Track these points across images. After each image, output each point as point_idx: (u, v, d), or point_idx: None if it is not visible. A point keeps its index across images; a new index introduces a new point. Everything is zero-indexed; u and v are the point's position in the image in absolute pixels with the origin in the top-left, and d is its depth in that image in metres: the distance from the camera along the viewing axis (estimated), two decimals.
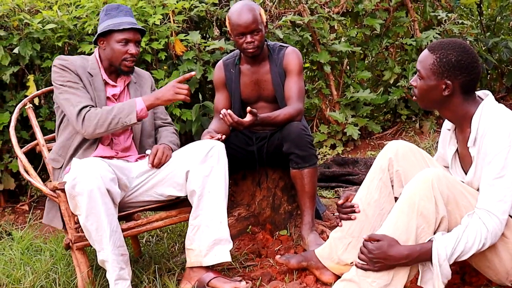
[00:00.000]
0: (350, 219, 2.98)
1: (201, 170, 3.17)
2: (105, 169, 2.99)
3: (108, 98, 3.37)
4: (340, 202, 3.04)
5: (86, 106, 3.20)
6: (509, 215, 2.59)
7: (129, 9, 3.43)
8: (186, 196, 3.25)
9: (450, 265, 2.53)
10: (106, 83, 3.39)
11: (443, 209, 2.58)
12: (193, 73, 3.26)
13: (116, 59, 3.35)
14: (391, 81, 5.89)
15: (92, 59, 3.42)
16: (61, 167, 3.30)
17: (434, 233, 2.59)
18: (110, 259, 2.97)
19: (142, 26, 4.91)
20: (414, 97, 2.80)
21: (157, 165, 3.26)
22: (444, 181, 2.61)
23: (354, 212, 2.98)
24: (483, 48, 6.42)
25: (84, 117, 3.17)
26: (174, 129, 3.59)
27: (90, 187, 2.89)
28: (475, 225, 2.52)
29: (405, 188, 2.66)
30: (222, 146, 3.24)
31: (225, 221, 3.19)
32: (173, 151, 3.36)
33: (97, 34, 3.38)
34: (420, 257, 2.55)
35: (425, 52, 2.71)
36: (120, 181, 3.11)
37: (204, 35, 5.68)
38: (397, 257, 2.56)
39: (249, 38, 3.53)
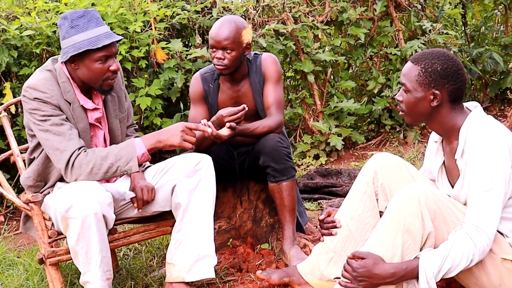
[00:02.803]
0: (331, 234, 2.90)
1: (187, 183, 3.06)
2: (103, 193, 2.83)
3: (91, 125, 3.04)
4: (321, 217, 2.96)
5: (75, 151, 2.84)
6: (497, 230, 2.53)
7: (98, 14, 2.92)
8: (170, 210, 3.15)
9: (436, 282, 2.45)
10: (84, 108, 3.01)
11: (430, 225, 2.50)
12: (208, 129, 2.96)
13: (97, 80, 2.93)
14: (375, 91, 5.83)
15: (62, 77, 2.95)
16: (39, 191, 3.09)
17: (421, 250, 2.52)
18: (98, 285, 2.85)
19: (122, 34, 4.83)
20: (401, 112, 2.70)
21: (145, 205, 3.11)
22: (431, 196, 2.53)
23: (335, 227, 2.90)
24: (467, 59, 6.39)
25: (73, 164, 2.83)
26: (135, 129, 3.41)
27: (85, 212, 2.73)
28: (462, 241, 2.44)
29: (390, 203, 2.59)
30: (209, 159, 3.14)
31: (211, 236, 3.10)
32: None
33: (66, 53, 2.87)
34: (406, 275, 2.46)
35: (409, 64, 2.63)
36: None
37: (186, 43, 5.63)
38: (383, 275, 2.47)
39: (219, 54, 3.37)
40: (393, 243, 2.52)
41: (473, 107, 2.66)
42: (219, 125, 3.27)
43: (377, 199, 2.86)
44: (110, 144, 3.14)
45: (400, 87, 5.43)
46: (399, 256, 2.51)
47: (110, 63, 2.92)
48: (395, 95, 5.63)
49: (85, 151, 2.87)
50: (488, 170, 2.45)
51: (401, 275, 2.46)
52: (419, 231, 2.50)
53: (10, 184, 3.32)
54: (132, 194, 3.10)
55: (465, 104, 2.67)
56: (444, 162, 2.76)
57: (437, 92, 2.57)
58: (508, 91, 6.33)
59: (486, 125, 2.54)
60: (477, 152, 2.49)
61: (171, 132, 2.88)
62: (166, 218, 3.22)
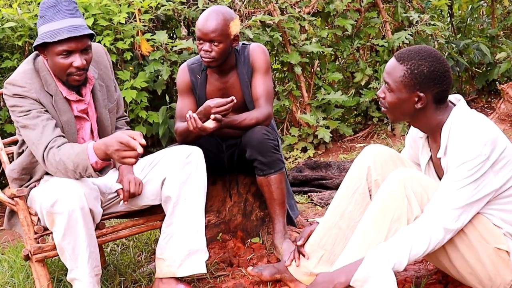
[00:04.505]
0: (303, 255, 2.89)
1: (178, 176, 2.99)
2: (89, 187, 2.76)
3: (77, 117, 2.94)
4: (300, 243, 2.91)
5: (48, 144, 2.74)
6: (494, 224, 2.50)
7: (71, 6, 2.78)
8: (160, 203, 3.07)
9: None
10: (68, 100, 2.92)
11: (417, 209, 2.47)
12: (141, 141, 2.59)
13: (60, 74, 2.82)
14: (363, 83, 5.78)
15: (44, 70, 2.87)
16: (24, 184, 3.00)
17: None
18: (86, 281, 2.78)
19: (106, 26, 4.74)
20: (383, 109, 2.63)
21: (132, 198, 3.01)
22: (416, 179, 2.50)
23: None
24: (454, 50, 6.36)
25: (48, 159, 2.74)
26: (126, 122, 3.31)
27: (71, 207, 2.65)
28: (413, 225, 2.43)
29: (377, 191, 2.56)
30: (200, 152, 3.07)
31: (202, 230, 3.02)
32: None
33: (34, 44, 2.80)
34: (359, 273, 2.42)
35: (393, 62, 2.53)
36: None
37: (171, 34, 5.55)
38: (341, 282, 2.44)
39: (206, 47, 3.28)
40: (380, 229, 2.49)
41: (457, 101, 2.59)
42: (206, 115, 3.20)
43: (370, 195, 2.80)
44: (99, 135, 3.06)
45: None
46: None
47: (74, 59, 2.78)
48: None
49: (58, 146, 2.76)
50: (461, 159, 2.40)
51: (351, 274, 2.42)
52: (405, 215, 2.47)
53: None
54: (119, 186, 3.03)
55: (449, 97, 2.60)
56: (431, 157, 2.70)
57: (422, 94, 2.49)
58: (497, 82, 6.32)
59: (468, 121, 2.48)
60: (455, 149, 2.44)
61: (111, 148, 2.61)
62: (156, 212, 3.14)
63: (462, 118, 2.50)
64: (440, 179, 2.65)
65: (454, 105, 2.57)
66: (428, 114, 2.54)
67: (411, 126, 2.80)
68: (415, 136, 2.81)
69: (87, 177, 2.74)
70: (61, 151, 2.74)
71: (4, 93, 2.85)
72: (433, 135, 2.61)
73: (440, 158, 2.56)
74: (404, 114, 2.57)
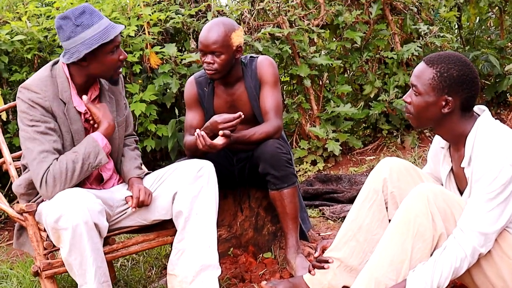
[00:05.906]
0: (323, 268, 2.84)
1: (189, 190, 2.96)
2: (93, 201, 2.73)
3: (85, 128, 2.98)
4: (316, 255, 2.90)
5: (49, 166, 2.78)
6: None
7: (95, 9, 2.91)
8: (171, 218, 3.03)
9: None
10: (78, 112, 2.96)
11: (441, 225, 2.43)
12: None
13: (109, 71, 2.92)
14: (372, 95, 5.75)
15: (61, 76, 2.90)
16: (32, 199, 2.99)
17: (432, 252, 2.45)
18: None
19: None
20: (408, 114, 2.61)
21: (140, 206, 3.00)
22: (440, 195, 2.46)
23: (327, 262, 2.85)
24: None
25: (47, 182, 2.78)
26: (135, 140, 3.32)
27: (75, 222, 2.63)
28: (449, 247, 2.39)
29: (400, 206, 2.52)
30: (211, 166, 3.04)
31: (214, 246, 2.99)
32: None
33: (77, 52, 2.82)
34: None
35: (422, 66, 2.52)
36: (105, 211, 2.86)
37: (180, 47, 5.52)
38: None
39: (209, 59, 3.27)
40: (403, 246, 2.46)
41: (481, 112, 2.57)
42: (213, 131, 3.17)
43: (386, 207, 2.77)
44: None
45: (397, 91, 5.48)
46: (408, 260, 2.46)
47: (120, 53, 2.94)
48: (392, 99, 5.59)
49: (55, 162, 2.80)
50: (488, 176, 2.37)
51: None
52: (430, 232, 2.43)
53: (1, 193, 3.22)
54: (129, 193, 3.01)
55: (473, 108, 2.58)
56: (452, 168, 2.67)
57: (450, 98, 2.47)
58: (507, 94, 6.27)
59: (493, 131, 2.46)
60: (481, 158, 2.41)
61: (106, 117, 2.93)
62: (166, 227, 3.11)
63: (487, 128, 2.48)
64: (460, 192, 2.62)
65: (479, 115, 2.55)
66: (453, 121, 2.52)
67: (432, 142, 2.77)
68: (436, 147, 2.78)
69: (91, 172, 2.86)
70: (61, 158, 2.81)
71: (18, 96, 2.87)
72: (456, 144, 2.58)
73: (463, 168, 2.53)
74: (430, 119, 2.55)
